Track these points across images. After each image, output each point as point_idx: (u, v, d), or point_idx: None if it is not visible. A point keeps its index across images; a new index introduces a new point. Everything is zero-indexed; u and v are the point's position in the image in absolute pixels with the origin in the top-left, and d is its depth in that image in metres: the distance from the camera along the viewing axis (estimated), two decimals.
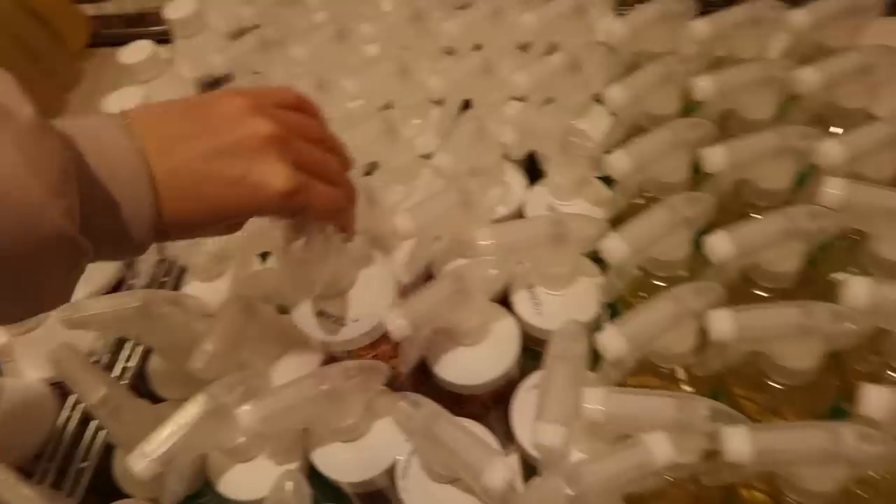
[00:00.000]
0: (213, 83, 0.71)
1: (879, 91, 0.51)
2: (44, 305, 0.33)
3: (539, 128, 0.51)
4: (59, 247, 0.30)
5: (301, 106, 0.42)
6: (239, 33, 0.70)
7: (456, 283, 0.43)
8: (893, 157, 0.46)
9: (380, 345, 0.47)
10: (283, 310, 0.52)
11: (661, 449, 0.34)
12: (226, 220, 0.38)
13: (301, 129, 0.40)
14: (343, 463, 0.43)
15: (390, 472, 0.43)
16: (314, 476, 0.44)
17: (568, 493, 0.33)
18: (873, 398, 0.35)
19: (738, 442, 0.34)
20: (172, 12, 0.73)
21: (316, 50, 0.63)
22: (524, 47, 0.63)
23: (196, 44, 0.74)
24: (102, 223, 0.33)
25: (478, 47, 0.62)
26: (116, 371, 0.54)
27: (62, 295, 0.33)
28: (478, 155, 0.52)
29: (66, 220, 0.30)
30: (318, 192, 0.39)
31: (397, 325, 0.41)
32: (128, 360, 0.54)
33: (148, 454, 0.38)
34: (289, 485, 0.37)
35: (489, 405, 0.49)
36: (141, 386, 0.53)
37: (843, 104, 0.51)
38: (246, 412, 0.39)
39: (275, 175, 0.36)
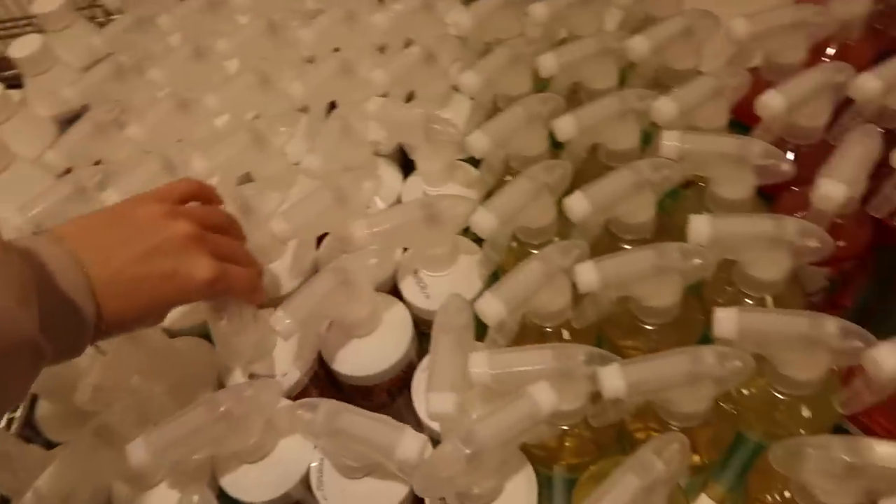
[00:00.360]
0: (72, 118, 0.69)
1: (702, 50, 0.56)
2: (4, 407, 0.34)
3: (402, 120, 0.53)
4: (27, 351, 0.32)
5: (201, 191, 0.48)
6: (92, 65, 0.68)
7: (339, 276, 0.44)
8: (720, 107, 0.51)
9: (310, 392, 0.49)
10: (174, 333, 0.52)
11: (544, 397, 0.36)
12: (159, 312, 0.43)
13: (208, 219, 0.46)
14: (254, 483, 0.43)
15: (306, 483, 0.44)
16: (227, 502, 0.44)
17: (466, 452, 0.35)
18: (723, 320, 0.39)
19: (612, 378, 0.37)
20: (18, 51, 0.70)
21: (175, 71, 0.63)
22: (383, 49, 0.65)
23: (47, 80, 0.71)
24: (52, 331, 0.35)
25: (337, 52, 0.63)
26: (2, 423, 0.51)
27: (21, 396, 0.36)
28: (347, 153, 0.54)
29: (34, 326, 0.33)
30: (236, 275, 0.45)
31: (284, 324, 0.42)
32: (14, 411, 0.52)
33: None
34: (195, 498, 0.37)
35: (394, 393, 0.50)
36: (31, 434, 0.51)
37: (673, 66, 0.56)
38: (137, 446, 0.38)
39: (199, 267, 0.42)
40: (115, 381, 0.43)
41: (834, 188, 0.42)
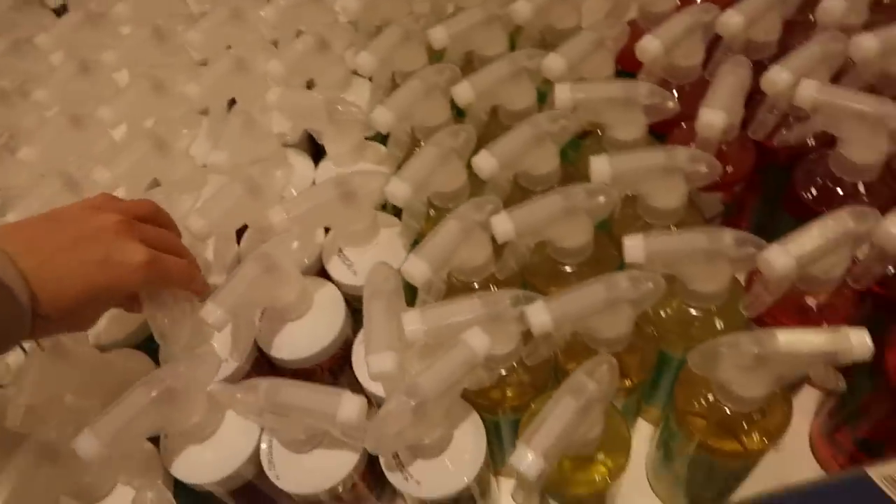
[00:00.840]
0: None
1: (582, 8, 0.59)
2: None
3: (303, 106, 0.54)
4: None
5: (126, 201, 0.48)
6: None
7: (263, 263, 0.44)
8: (605, 58, 0.54)
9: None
10: (106, 347, 0.51)
11: (478, 341, 0.38)
12: (99, 300, 0.43)
13: (137, 209, 0.46)
14: (203, 464, 0.43)
15: (256, 463, 0.44)
16: (183, 491, 0.44)
17: (411, 404, 0.36)
18: (632, 247, 0.41)
19: (538, 314, 0.39)
20: None
21: (61, 89, 0.61)
22: (275, 43, 0.65)
23: None
24: None
25: (229, 49, 0.63)
26: None
27: None
28: (253, 147, 0.54)
29: None
30: (171, 263, 0.45)
31: (215, 315, 0.42)
32: None
33: None
34: (149, 495, 0.37)
35: (336, 372, 0.51)
36: None
37: (557, 26, 0.58)
38: (85, 439, 0.37)
39: (132, 252, 0.42)
40: (47, 400, 0.42)
41: (713, 115, 0.45)
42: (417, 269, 0.42)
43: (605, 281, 0.40)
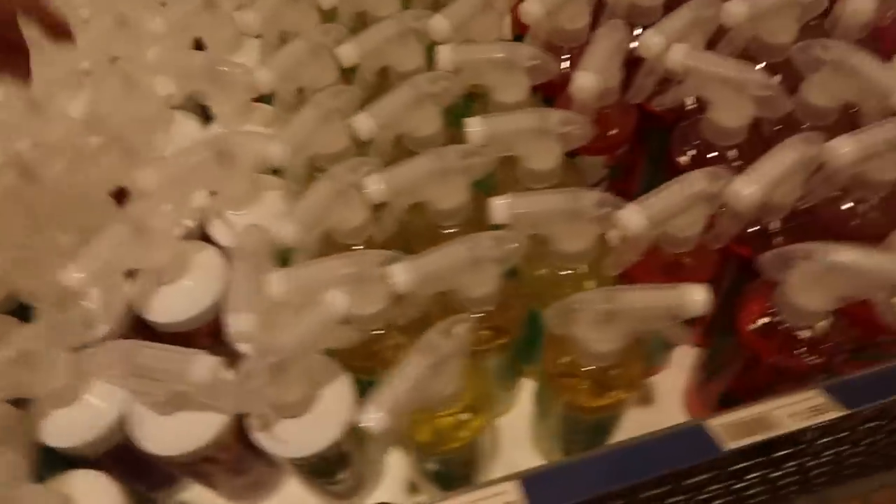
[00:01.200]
0: None
1: None
2: None
3: (186, 66, 0.52)
4: None
5: None
6: None
7: (130, 226, 0.43)
8: (491, 20, 0.54)
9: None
10: None
11: (338, 301, 0.38)
12: None
13: None
14: (69, 428, 0.43)
15: (122, 426, 0.43)
16: (53, 456, 0.43)
17: (268, 362, 0.37)
18: (498, 207, 0.42)
19: (402, 273, 0.39)
20: None
21: None
22: (164, 3, 0.63)
23: None
24: None
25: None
26: None
27: None
28: (134, 107, 0.52)
29: None
30: None
31: (75, 279, 0.41)
32: None
33: None
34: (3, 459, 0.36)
35: (218, 336, 0.51)
36: None
37: None
38: None
39: None
40: None
41: (586, 78, 0.46)
42: (288, 230, 0.41)
43: (469, 240, 0.40)
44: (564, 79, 0.49)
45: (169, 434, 0.41)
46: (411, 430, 0.40)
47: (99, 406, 0.43)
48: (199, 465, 0.43)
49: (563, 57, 0.54)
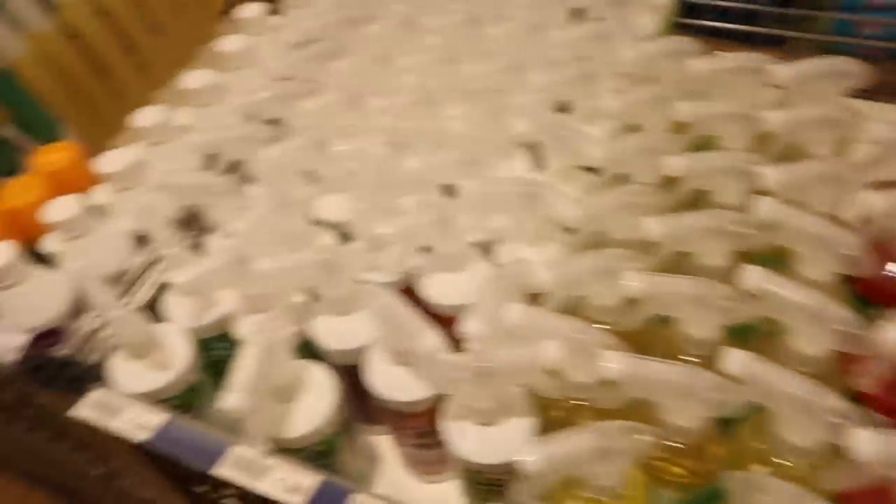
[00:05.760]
0: None
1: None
2: None
3: (541, 117, 0.60)
4: None
5: None
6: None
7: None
8: (829, 192, 0.53)
9: None
10: None
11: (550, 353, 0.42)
12: None
13: None
14: (332, 334, 0.52)
15: (363, 351, 0.51)
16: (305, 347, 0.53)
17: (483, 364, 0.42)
18: (733, 358, 0.42)
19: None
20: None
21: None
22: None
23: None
24: None
25: None
26: None
27: None
28: (489, 129, 0.62)
29: None
30: None
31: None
32: None
33: None
34: None
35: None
36: None
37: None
38: None
39: None
40: None
41: None
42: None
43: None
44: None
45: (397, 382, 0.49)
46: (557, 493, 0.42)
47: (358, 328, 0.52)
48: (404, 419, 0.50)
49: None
